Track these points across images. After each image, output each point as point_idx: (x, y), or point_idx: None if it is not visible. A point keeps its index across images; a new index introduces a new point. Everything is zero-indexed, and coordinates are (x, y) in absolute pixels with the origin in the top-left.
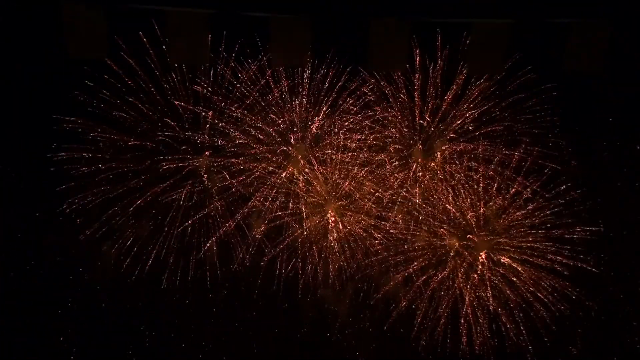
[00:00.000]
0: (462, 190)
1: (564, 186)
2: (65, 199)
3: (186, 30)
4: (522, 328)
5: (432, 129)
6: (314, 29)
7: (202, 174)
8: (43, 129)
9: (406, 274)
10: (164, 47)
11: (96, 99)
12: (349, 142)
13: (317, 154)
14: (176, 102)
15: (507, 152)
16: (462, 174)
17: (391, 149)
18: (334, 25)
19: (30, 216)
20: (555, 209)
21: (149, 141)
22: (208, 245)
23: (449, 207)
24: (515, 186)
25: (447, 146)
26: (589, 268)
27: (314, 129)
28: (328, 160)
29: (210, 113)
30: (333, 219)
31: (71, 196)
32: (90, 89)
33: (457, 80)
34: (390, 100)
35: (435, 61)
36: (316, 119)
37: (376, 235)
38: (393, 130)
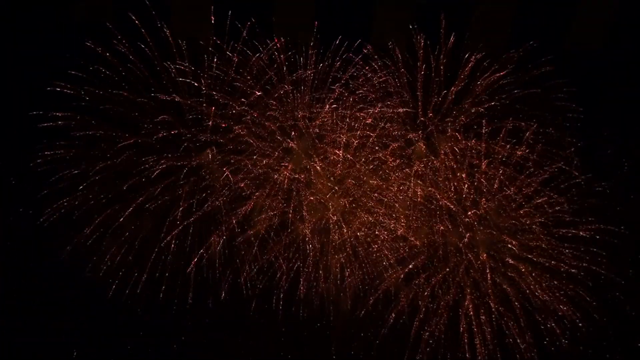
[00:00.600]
0: (464, 188)
1: (567, 184)
2: (64, 198)
3: (189, 4)
4: (522, 325)
5: (435, 125)
6: (317, 5)
7: (204, 172)
8: (36, 126)
9: (407, 272)
10: (165, 28)
11: (92, 93)
12: (351, 140)
13: (320, 151)
14: (177, 98)
15: (510, 150)
16: (465, 172)
17: (394, 146)
18: (338, 2)
19: (30, 217)
20: (558, 207)
21: (149, 138)
22: (210, 243)
23: (450, 205)
24: (517, 184)
25: (450, 143)
26: (592, 267)
27: (316, 126)
28: (330, 157)
29: (212, 109)
30: (335, 216)
31: (70, 195)
32: (86, 82)
33: (461, 76)
34: (394, 97)
35: (440, 49)
36: (319, 115)
37: (378, 232)
38: (396, 127)
